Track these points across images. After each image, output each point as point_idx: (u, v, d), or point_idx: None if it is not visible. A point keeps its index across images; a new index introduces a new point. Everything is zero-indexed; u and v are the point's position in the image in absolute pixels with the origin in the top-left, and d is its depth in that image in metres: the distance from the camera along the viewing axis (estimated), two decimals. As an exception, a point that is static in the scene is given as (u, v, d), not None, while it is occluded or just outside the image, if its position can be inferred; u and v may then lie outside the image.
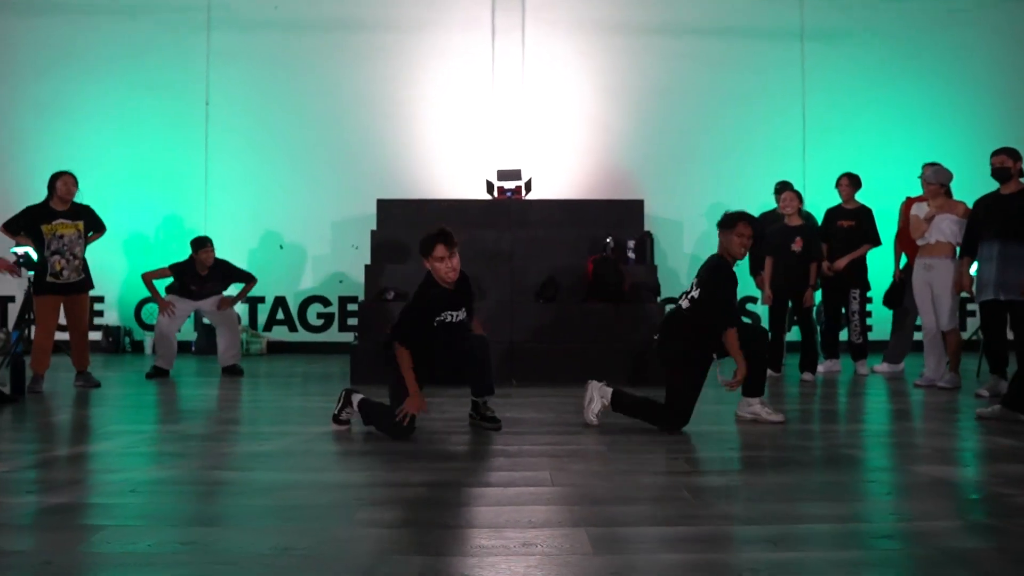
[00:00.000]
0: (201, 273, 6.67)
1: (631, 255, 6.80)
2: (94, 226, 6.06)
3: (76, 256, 5.84)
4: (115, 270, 8.88)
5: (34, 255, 7.29)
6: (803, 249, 6.45)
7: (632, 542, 2.36)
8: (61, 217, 5.81)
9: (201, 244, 6.66)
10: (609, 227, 6.96)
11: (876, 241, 6.83)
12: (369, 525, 2.56)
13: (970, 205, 5.78)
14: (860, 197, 7.01)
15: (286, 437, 4.04)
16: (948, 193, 5.93)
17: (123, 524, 2.54)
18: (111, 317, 8.93)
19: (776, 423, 4.27)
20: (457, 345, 4.10)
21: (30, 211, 5.87)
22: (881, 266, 7.66)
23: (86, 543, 2.36)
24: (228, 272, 6.82)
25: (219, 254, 6.89)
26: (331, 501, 2.84)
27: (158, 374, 6.56)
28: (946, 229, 5.79)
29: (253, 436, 4.10)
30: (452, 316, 4.07)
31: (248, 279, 6.89)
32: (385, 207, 7.31)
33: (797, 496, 2.93)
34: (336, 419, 4.13)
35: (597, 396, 4.24)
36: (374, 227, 7.21)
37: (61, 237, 5.79)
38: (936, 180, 5.84)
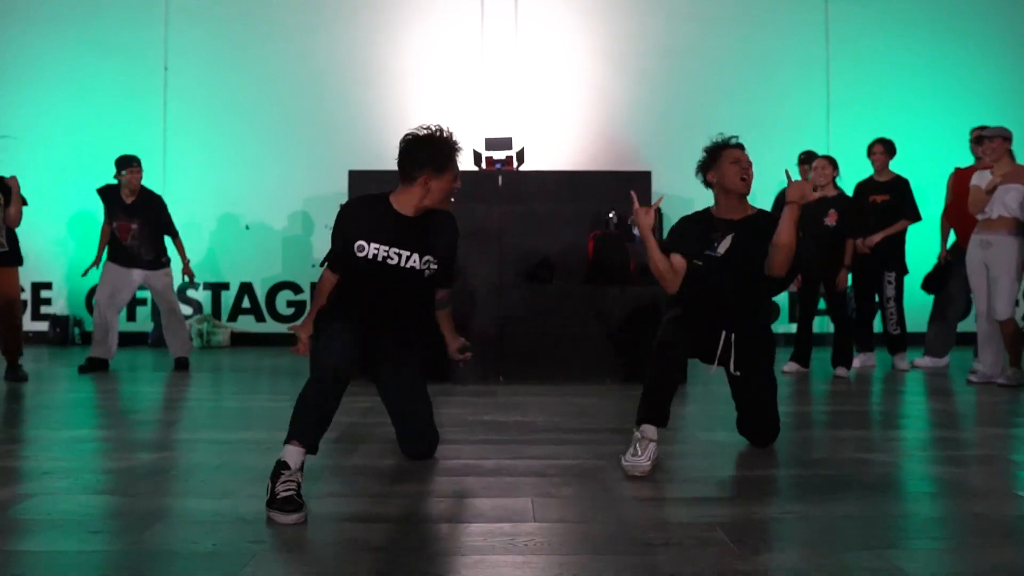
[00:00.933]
0: (127, 200, 5.73)
1: (636, 232, 5.93)
2: (17, 197, 5.17)
3: None
4: (63, 253, 8.03)
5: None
6: (839, 223, 5.59)
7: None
8: None
9: (127, 163, 5.72)
10: (612, 201, 6.10)
11: (915, 216, 5.97)
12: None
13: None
14: (894, 169, 6.15)
15: (199, 446, 3.19)
16: (1011, 155, 5.06)
17: None
18: (59, 305, 8.08)
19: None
20: (398, 319, 2.78)
21: None
22: (920, 245, 6.80)
23: None
24: (156, 208, 5.84)
25: (181, 236, 6.04)
26: (215, 546, 1.99)
27: (94, 367, 5.70)
28: (1011, 202, 4.93)
29: (162, 446, 3.25)
30: (395, 256, 2.71)
31: (171, 231, 5.94)
32: (358, 179, 6.44)
33: (836, 539, 2.08)
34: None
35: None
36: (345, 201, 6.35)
37: None
38: (998, 134, 4.99)
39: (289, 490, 2.20)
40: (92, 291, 7.95)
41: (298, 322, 2.87)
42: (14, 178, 5.18)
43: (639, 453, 2.72)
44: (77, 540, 2.07)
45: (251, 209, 8.06)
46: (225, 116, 8.05)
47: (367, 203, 2.78)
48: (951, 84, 8.11)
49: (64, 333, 7.91)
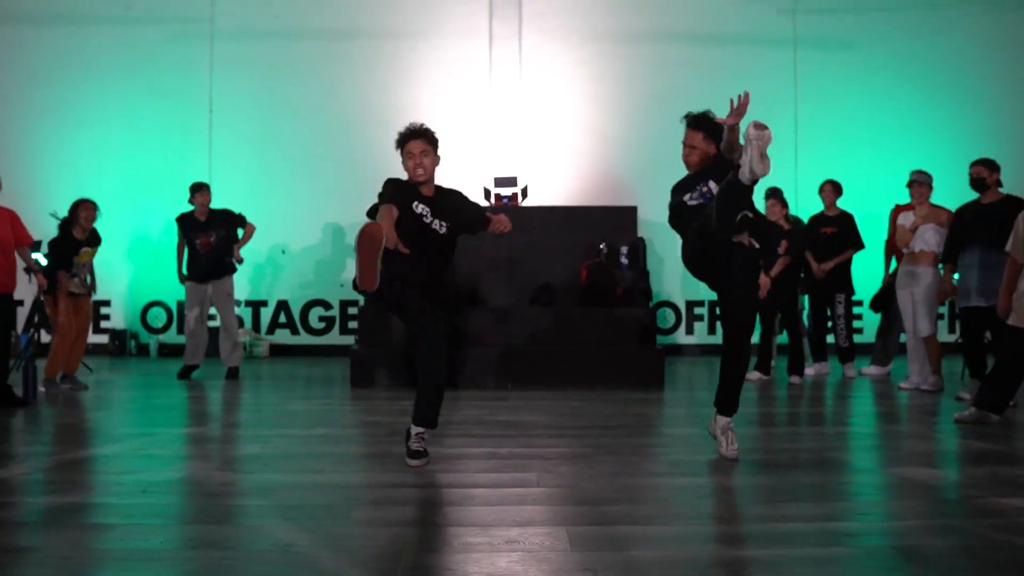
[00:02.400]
0: (200, 219, 6.85)
1: (624, 260, 6.96)
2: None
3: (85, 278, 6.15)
4: (120, 273, 9.06)
5: (43, 261, 7.50)
6: (787, 252, 6.61)
7: (608, 540, 2.53)
8: (84, 245, 6.10)
9: (197, 188, 6.89)
10: (603, 233, 7.12)
11: (859, 245, 7.01)
12: (364, 524, 2.73)
13: (955, 211, 5.95)
14: (851, 202, 7.17)
15: (286, 440, 4.21)
16: (928, 200, 6.08)
17: (135, 523, 2.72)
18: (117, 321, 9.11)
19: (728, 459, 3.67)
20: (434, 273, 3.61)
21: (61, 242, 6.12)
22: (868, 270, 7.82)
23: (102, 540, 2.53)
24: (227, 217, 6.95)
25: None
26: (329, 501, 3.02)
27: (186, 373, 6.74)
28: (930, 239, 5.95)
29: (254, 439, 4.28)
30: (429, 218, 3.52)
31: (245, 223, 7.02)
32: (384, 213, 7.46)
33: (773, 497, 3.10)
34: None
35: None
36: (374, 233, 7.36)
37: (84, 265, 6.11)
38: (925, 181, 6.01)
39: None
40: (147, 308, 8.99)
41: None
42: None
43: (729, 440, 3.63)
44: (225, 499, 3.09)
45: (287, 235, 9.10)
46: (263, 152, 9.08)
47: (406, 183, 3.61)
48: (905, 124, 9.13)
49: (122, 345, 8.94)
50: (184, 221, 6.94)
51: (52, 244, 6.09)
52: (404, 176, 3.60)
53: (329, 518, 2.80)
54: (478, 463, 3.68)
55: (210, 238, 6.83)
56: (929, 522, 2.78)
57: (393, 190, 3.53)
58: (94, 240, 6.20)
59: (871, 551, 2.48)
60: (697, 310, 9.24)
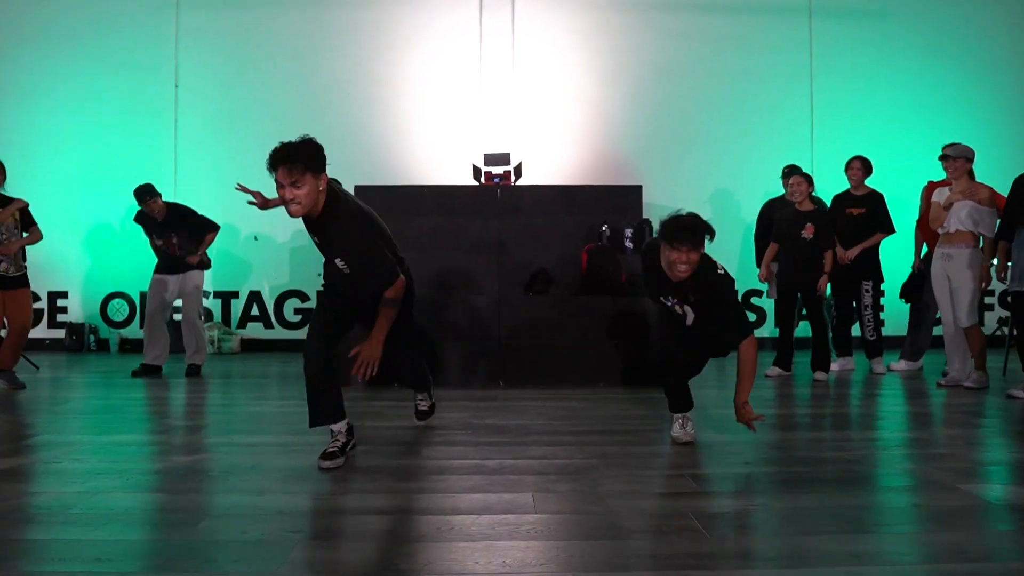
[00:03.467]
0: (158, 219, 6.18)
1: (628, 244, 6.29)
2: (27, 217, 5.54)
3: (7, 252, 5.33)
4: (78, 263, 8.35)
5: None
6: (815, 236, 5.94)
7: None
8: None
9: (141, 197, 6.13)
10: (605, 214, 6.46)
11: (890, 229, 6.32)
12: (302, 569, 2.06)
13: (1012, 185, 5.30)
14: (873, 183, 6.51)
15: (232, 449, 3.53)
16: (971, 174, 5.42)
17: (26, 555, 2.03)
18: (74, 314, 8.39)
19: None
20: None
21: None
22: (897, 256, 7.17)
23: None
24: (186, 215, 6.30)
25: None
26: (263, 535, 2.34)
27: (147, 372, 6.08)
28: (965, 217, 5.29)
29: (194, 448, 3.59)
30: (325, 251, 3.23)
31: (209, 227, 6.39)
32: (363, 194, 6.78)
33: (812, 527, 2.42)
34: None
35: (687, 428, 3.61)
36: (352, 215, 6.68)
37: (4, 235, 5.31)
38: (960, 154, 5.34)
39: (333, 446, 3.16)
40: (107, 299, 8.29)
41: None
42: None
43: (684, 427, 3.57)
44: (141, 531, 2.41)
45: (259, 221, 8.36)
46: (234, 130, 8.37)
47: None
48: (929, 99, 8.47)
49: (80, 340, 8.23)
50: (142, 220, 6.29)
51: None
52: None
53: (259, 559, 2.13)
54: (461, 479, 2.99)
55: (173, 239, 6.21)
56: (976, 565, 2.11)
57: None
58: (5, 202, 5.37)
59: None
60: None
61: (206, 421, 4.50)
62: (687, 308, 3.42)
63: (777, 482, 2.99)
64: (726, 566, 2.10)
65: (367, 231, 3.11)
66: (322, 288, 3.30)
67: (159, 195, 6.21)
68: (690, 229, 3.19)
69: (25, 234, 5.50)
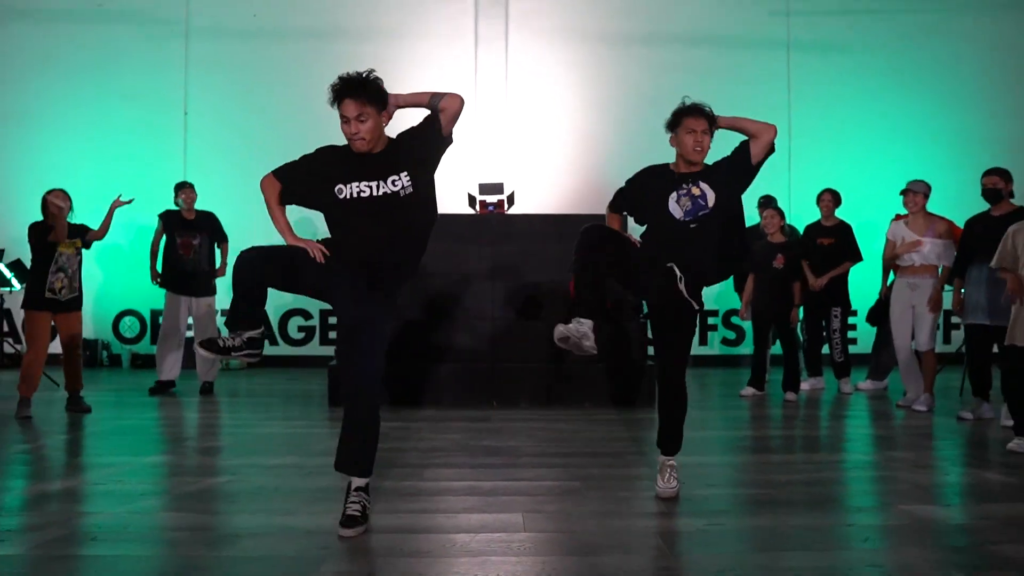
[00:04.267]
0: (187, 217, 6.65)
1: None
2: (86, 244, 5.96)
3: (71, 278, 5.73)
4: (90, 281, 8.69)
5: (6, 272, 7.18)
6: (785, 266, 6.40)
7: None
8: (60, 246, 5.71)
9: (181, 186, 6.72)
10: (592, 243, 6.88)
11: (857, 258, 6.80)
12: (332, 583, 2.49)
13: (958, 220, 5.77)
14: (847, 210, 6.97)
15: (256, 471, 3.95)
16: (925, 208, 5.90)
17: (76, 584, 2.45)
18: (87, 330, 8.77)
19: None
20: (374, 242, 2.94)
21: (38, 231, 5.69)
22: (864, 283, 7.63)
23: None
24: (213, 223, 6.79)
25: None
26: (296, 552, 2.76)
27: (162, 388, 6.48)
28: (928, 252, 5.76)
29: (223, 470, 4.01)
30: (366, 188, 2.94)
31: (224, 239, 6.87)
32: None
33: (776, 545, 2.87)
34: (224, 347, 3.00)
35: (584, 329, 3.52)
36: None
37: (62, 255, 5.70)
38: (920, 190, 5.82)
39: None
40: (119, 317, 8.69)
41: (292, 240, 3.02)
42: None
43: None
44: (190, 548, 2.83)
45: (264, 240, 8.76)
46: (240, 156, 8.77)
47: (335, 150, 3.03)
48: (901, 130, 8.96)
49: (93, 355, 8.62)
50: (169, 217, 6.70)
51: (30, 232, 5.66)
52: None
53: (296, 573, 2.55)
54: (460, 500, 3.43)
55: (193, 240, 6.60)
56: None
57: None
58: (75, 233, 5.76)
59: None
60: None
61: (225, 443, 4.92)
62: (705, 187, 3.33)
63: (743, 504, 3.43)
64: (682, 579, 2.54)
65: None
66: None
67: (195, 191, 6.69)
68: (700, 106, 3.34)
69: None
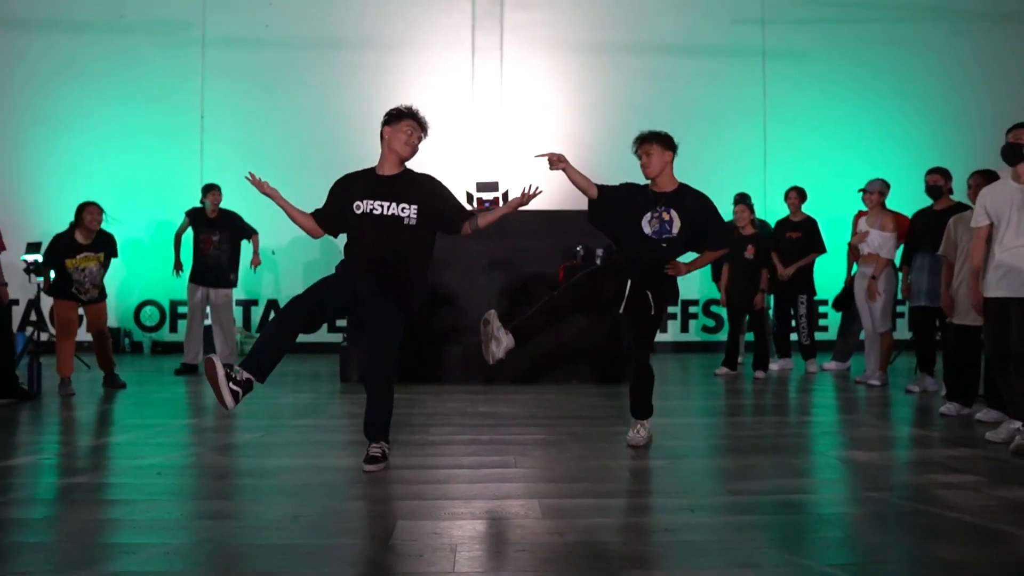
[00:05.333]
0: (210, 216, 7.23)
1: (599, 262, 7.34)
2: (113, 253, 6.44)
3: (96, 285, 6.26)
4: (113, 274, 9.20)
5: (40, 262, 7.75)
6: (755, 256, 7.03)
7: (574, 510, 2.91)
8: (85, 251, 6.16)
9: (209, 188, 7.33)
10: (580, 236, 7.49)
11: (821, 249, 7.44)
12: (360, 498, 3.10)
13: (911, 217, 6.40)
14: (816, 207, 7.61)
15: (282, 429, 4.56)
16: (883, 205, 6.53)
17: (154, 499, 3.06)
18: (110, 319, 9.35)
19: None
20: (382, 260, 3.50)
21: (58, 243, 6.14)
22: (831, 272, 8.25)
23: (125, 512, 2.88)
24: (234, 222, 7.36)
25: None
26: (328, 481, 3.38)
27: (187, 370, 7.10)
28: (872, 242, 6.39)
29: (253, 429, 4.62)
30: (379, 207, 3.54)
31: (252, 232, 7.47)
32: (372, 217, 7.81)
33: (727, 476, 3.49)
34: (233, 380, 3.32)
35: (502, 336, 3.98)
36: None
37: (83, 270, 6.16)
38: (875, 189, 6.46)
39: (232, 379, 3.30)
40: (140, 307, 9.28)
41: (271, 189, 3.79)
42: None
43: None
44: (228, 480, 3.44)
45: (277, 237, 9.39)
46: (254, 157, 9.33)
47: (356, 174, 3.72)
48: (868, 132, 9.59)
49: (116, 343, 9.20)
50: (194, 214, 7.33)
51: (51, 243, 6.15)
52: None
53: (329, 495, 3.16)
54: (461, 448, 4.05)
55: (213, 236, 7.19)
56: (857, 495, 3.19)
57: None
58: (101, 246, 6.24)
59: (797, 518, 2.87)
60: (670, 308, 9.65)
61: (252, 409, 5.53)
62: (674, 213, 3.92)
63: (711, 449, 4.05)
64: (640, 496, 3.15)
65: (435, 180, 3.74)
66: (335, 274, 3.55)
67: (220, 192, 7.29)
68: (650, 132, 4.08)
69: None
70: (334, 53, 9.46)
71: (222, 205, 7.37)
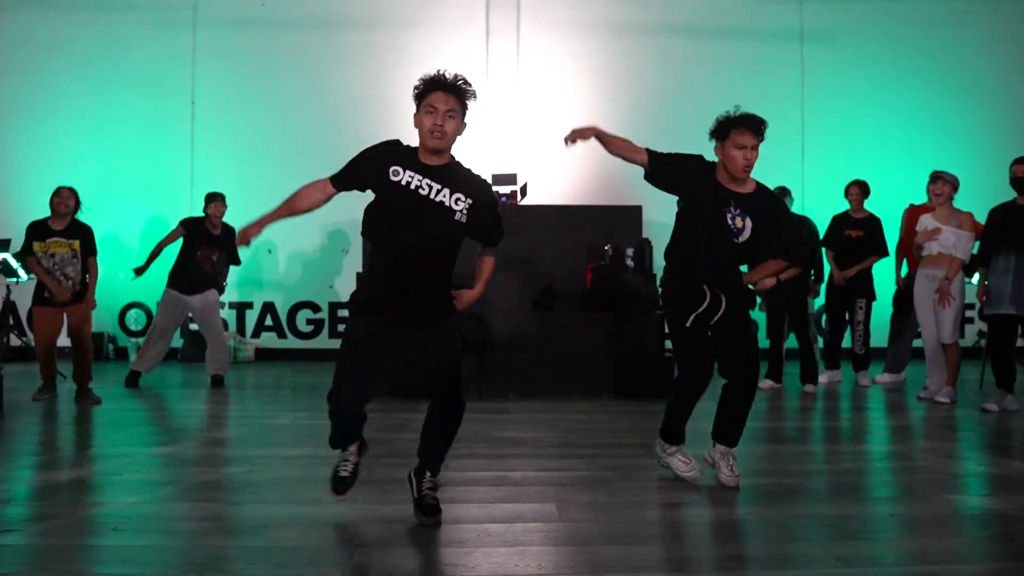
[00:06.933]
0: (213, 232, 6.52)
1: (630, 263, 6.64)
2: (90, 249, 5.78)
3: (67, 276, 5.62)
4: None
5: (13, 263, 7.07)
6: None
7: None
8: (57, 236, 5.63)
9: (213, 197, 6.58)
10: (606, 233, 6.81)
11: (883, 252, 6.72)
12: (364, 571, 2.40)
13: (975, 213, 5.69)
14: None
15: (275, 462, 3.86)
16: (951, 202, 5.81)
17: (103, 572, 2.36)
18: (94, 323, 8.66)
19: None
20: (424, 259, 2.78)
21: (31, 226, 5.69)
22: (880, 273, 7.54)
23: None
24: (233, 242, 6.63)
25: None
26: (325, 542, 2.68)
27: (134, 380, 6.39)
28: (946, 241, 5.67)
29: (241, 460, 3.92)
30: (426, 186, 2.73)
31: (238, 261, 6.80)
32: (377, 212, 7.11)
33: (805, 535, 2.78)
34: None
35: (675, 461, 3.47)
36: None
37: (52, 256, 5.60)
38: (950, 180, 5.73)
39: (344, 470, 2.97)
40: (124, 310, 8.59)
41: (251, 224, 3.00)
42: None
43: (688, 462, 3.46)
44: (217, 538, 2.74)
45: (273, 233, 8.62)
46: (249, 146, 8.68)
47: (397, 145, 2.84)
48: (913, 122, 8.87)
49: (99, 348, 8.51)
50: (193, 226, 6.55)
51: (26, 229, 5.67)
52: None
53: (327, 564, 2.46)
54: (490, 490, 3.34)
55: (213, 255, 6.52)
56: (973, 566, 2.48)
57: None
58: (75, 234, 5.65)
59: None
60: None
61: (243, 433, 4.83)
62: (748, 222, 3.27)
63: (763, 493, 3.35)
64: (720, 569, 2.45)
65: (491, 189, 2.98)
66: (351, 324, 2.90)
67: (225, 204, 6.57)
68: (752, 116, 3.25)
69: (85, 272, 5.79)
70: (336, 34, 8.74)
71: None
